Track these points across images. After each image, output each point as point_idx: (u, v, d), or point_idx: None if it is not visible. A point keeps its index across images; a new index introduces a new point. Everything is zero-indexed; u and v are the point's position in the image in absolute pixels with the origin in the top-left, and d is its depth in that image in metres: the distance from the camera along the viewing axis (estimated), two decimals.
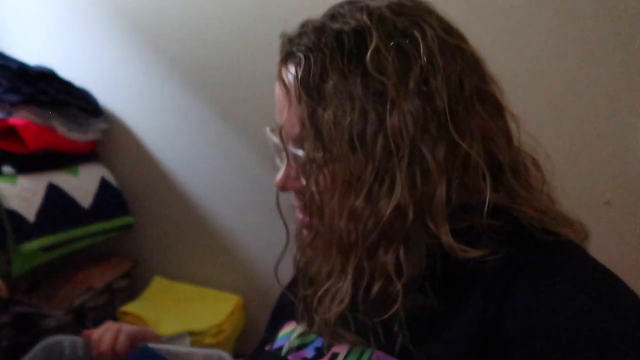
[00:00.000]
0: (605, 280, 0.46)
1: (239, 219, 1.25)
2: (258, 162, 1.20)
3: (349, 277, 0.50)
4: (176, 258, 1.30)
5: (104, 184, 1.22)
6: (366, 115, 0.46)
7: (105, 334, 0.75)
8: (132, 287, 1.24)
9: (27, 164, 1.11)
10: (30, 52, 1.24)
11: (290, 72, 0.51)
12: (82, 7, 1.24)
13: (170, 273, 1.27)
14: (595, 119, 0.98)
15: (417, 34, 0.47)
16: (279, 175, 0.56)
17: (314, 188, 0.50)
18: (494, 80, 0.52)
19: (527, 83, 0.98)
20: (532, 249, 0.48)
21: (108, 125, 1.26)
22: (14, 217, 1.05)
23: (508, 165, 0.50)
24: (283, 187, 0.56)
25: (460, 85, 0.48)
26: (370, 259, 0.49)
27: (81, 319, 1.18)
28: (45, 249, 1.13)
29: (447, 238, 0.47)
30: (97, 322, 1.17)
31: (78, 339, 0.79)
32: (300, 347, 0.59)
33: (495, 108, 0.51)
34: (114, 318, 1.15)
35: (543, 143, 0.54)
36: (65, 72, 1.20)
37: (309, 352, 0.58)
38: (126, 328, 0.75)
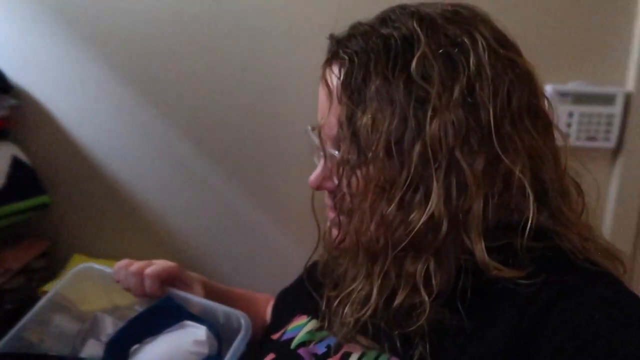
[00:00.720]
0: None
1: (158, 194, 1.27)
2: (177, 137, 1.21)
3: (375, 284, 0.49)
4: (95, 235, 1.30)
5: (16, 163, 1.18)
6: (406, 121, 0.45)
7: (128, 279, 0.71)
8: (51, 266, 1.22)
9: None
10: None
11: (334, 73, 0.50)
12: None
13: (90, 250, 1.26)
14: None
15: (467, 42, 0.46)
16: (314, 174, 0.56)
17: (345, 189, 0.50)
18: (545, 96, 0.51)
19: None
20: (572, 276, 0.46)
21: (19, 101, 1.20)
22: None
23: (554, 186, 0.49)
24: (317, 185, 0.55)
25: (508, 100, 0.46)
26: (398, 267, 0.48)
27: None
28: None
29: (481, 255, 0.46)
30: (17, 304, 1.16)
31: (107, 270, 0.77)
32: (311, 342, 0.59)
33: (545, 126, 0.50)
34: (34, 299, 1.14)
35: None
36: None
37: (320, 349, 0.58)
38: (149, 271, 0.69)
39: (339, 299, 0.54)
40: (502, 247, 0.47)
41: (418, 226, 0.45)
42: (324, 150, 0.53)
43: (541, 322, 0.44)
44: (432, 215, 0.45)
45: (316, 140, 0.55)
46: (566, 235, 0.49)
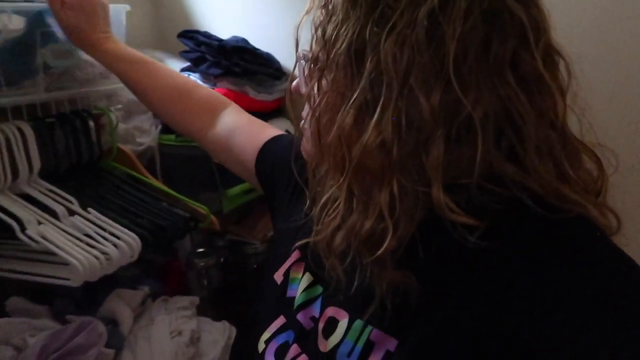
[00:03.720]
0: (616, 269, 0.43)
1: None
2: None
3: (342, 195, 0.50)
4: None
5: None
6: (365, 31, 0.45)
7: None
8: None
9: None
10: (228, 25, 1.47)
11: None
12: None
13: None
14: None
15: None
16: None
17: (315, 91, 0.50)
18: (550, 57, 0.47)
19: None
20: (532, 234, 0.46)
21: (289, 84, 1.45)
22: (221, 168, 1.30)
23: (534, 143, 0.45)
24: (294, 89, 0.58)
25: (484, 44, 0.44)
26: (366, 195, 0.48)
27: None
28: (246, 192, 1.39)
29: (437, 193, 0.44)
30: None
31: None
32: (308, 303, 0.59)
33: (535, 83, 0.46)
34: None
35: None
36: (255, 39, 1.41)
37: (317, 310, 0.58)
38: None
39: (319, 205, 0.55)
40: (457, 187, 0.46)
41: (370, 148, 0.45)
42: (304, 56, 0.54)
43: (513, 297, 0.43)
44: (383, 140, 0.44)
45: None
46: (529, 186, 0.45)
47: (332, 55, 0.47)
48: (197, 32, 1.39)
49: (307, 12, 0.52)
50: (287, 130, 1.45)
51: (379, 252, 0.47)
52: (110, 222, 0.96)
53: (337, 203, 0.52)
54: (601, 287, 0.41)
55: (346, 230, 0.50)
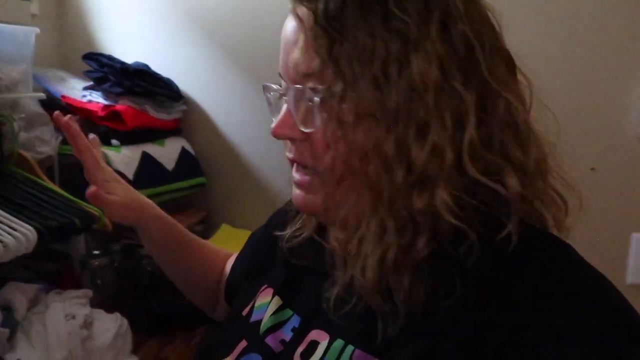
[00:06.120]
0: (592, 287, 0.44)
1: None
2: None
3: (387, 222, 0.46)
4: (240, 210, 1.64)
5: (184, 152, 1.59)
6: (388, 52, 0.44)
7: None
8: (206, 231, 1.59)
9: (128, 138, 1.46)
10: (131, 51, 1.62)
11: (305, 5, 0.47)
12: (165, 16, 1.59)
13: (235, 222, 1.62)
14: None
15: None
16: (277, 121, 0.51)
17: (333, 125, 0.46)
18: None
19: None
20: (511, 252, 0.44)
21: (187, 107, 1.62)
22: (120, 176, 1.40)
23: (522, 127, 0.47)
24: (282, 133, 0.51)
25: (480, 39, 0.46)
26: (408, 207, 0.45)
27: None
28: (149, 197, 1.50)
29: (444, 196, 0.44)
30: None
31: None
32: (277, 327, 0.57)
33: (511, 68, 0.48)
34: None
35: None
36: (156, 66, 1.56)
37: (287, 334, 0.56)
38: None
39: (352, 242, 0.49)
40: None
41: (422, 161, 0.44)
42: (303, 89, 0.48)
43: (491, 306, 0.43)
44: (434, 146, 0.44)
45: (279, 86, 0.53)
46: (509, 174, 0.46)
47: (355, 82, 0.45)
48: (101, 54, 1.53)
49: (294, 55, 0.49)
50: (183, 147, 1.60)
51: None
52: (9, 216, 1.05)
53: (374, 225, 0.47)
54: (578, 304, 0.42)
55: (395, 247, 0.47)
